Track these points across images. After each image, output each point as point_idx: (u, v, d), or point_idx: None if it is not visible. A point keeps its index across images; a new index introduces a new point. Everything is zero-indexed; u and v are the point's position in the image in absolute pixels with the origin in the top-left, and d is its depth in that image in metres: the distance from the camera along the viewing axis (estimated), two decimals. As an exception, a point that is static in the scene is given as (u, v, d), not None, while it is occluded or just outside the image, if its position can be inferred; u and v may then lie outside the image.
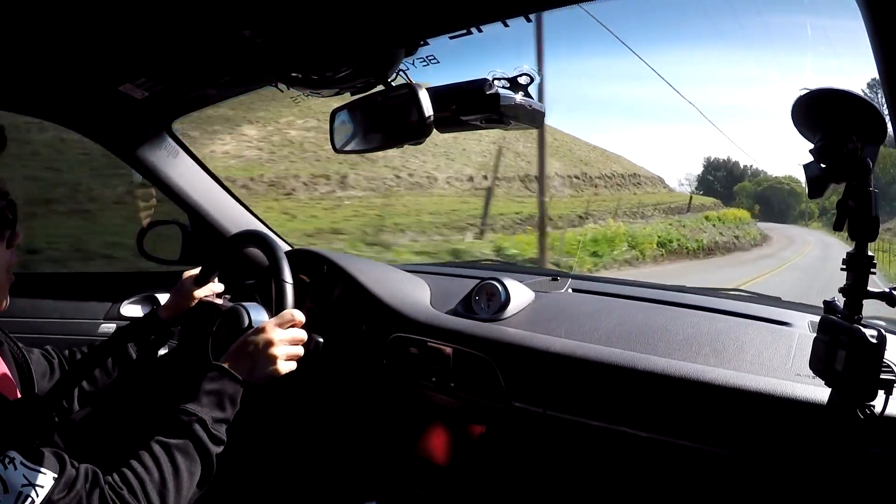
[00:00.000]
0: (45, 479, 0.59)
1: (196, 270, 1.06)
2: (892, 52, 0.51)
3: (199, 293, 1.04)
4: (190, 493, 0.70)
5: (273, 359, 0.82)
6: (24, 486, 0.58)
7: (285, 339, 0.84)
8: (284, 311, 0.88)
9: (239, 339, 0.84)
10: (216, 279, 1.08)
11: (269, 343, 0.82)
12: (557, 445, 0.99)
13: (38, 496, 0.58)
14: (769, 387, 0.78)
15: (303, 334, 0.87)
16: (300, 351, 0.86)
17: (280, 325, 0.85)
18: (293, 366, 0.85)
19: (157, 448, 0.69)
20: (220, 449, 0.74)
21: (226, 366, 0.79)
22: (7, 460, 0.59)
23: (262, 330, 0.83)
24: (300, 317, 0.88)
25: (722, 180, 57.05)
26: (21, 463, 0.59)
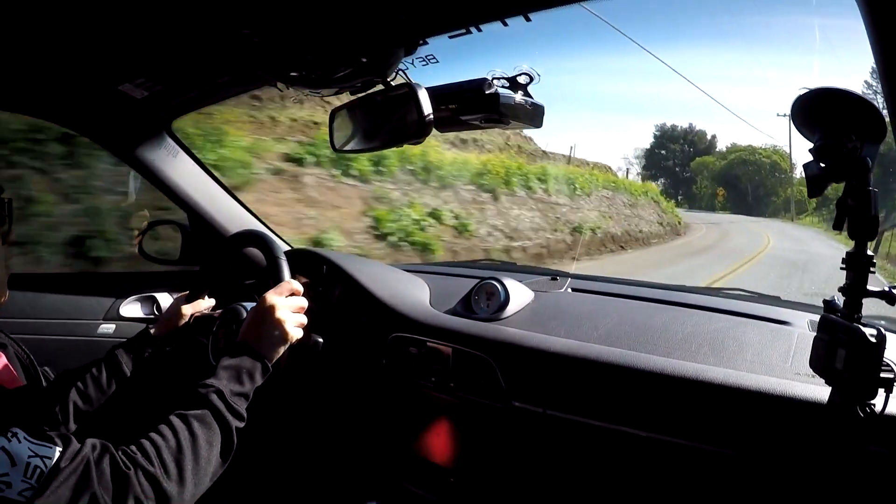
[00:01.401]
0: (52, 452, 0.59)
1: (186, 293, 1.06)
2: (892, 52, 0.51)
3: (189, 310, 1.03)
4: (211, 465, 0.69)
5: (281, 325, 0.83)
6: (30, 457, 0.58)
7: (288, 306, 0.85)
8: (281, 282, 0.89)
9: (246, 319, 0.85)
10: (206, 296, 1.08)
11: (273, 310, 0.83)
12: (557, 445, 0.99)
13: (45, 466, 0.58)
14: (769, 386, 0.78)
15: (304, 302, 0.88)
16: (304, 319, 0.87)
17: (279, 295, 0.86)
18: (300, 333, 0.86)
19: (173, 419, 0.69)
20: (239, 423, 0.74)
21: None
22: (10, 434, 0.59)
23: (263, 301, 0.84)
24: (297, 286, 0.89)
25: (679, 155, 42.57)
26: (25, 438, 0.59)
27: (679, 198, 40.42)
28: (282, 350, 0.84)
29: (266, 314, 0.83)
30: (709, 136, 44.85)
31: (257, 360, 0.79)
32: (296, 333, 0.85)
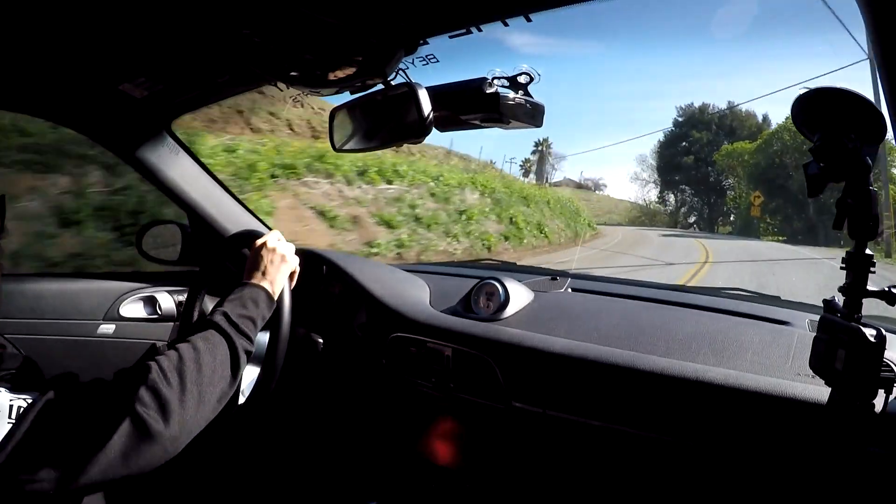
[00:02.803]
0: (34, 395, 0.59)
1: None
2: (892, 52, 0.51)
3: None
4: (216, 381, 0.67)
5: (275, 252, 0.89)
6: (11, 400, 0.57)
7: (283, 245, 0.91)
8: (269, 233, 0.94)
9: (246, 263, 0.89)
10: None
11: (264, 245, 0.89)
12: (557, 445, 0.99)
13: (26, 403, 0.57)
14: (769, 386, 0.78)
15: (292, 246, 0.93)
16: (296, 258, 0.93)
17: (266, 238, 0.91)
18: (296, 262, 0.93)
19: (178, 341, 0.69)
20: (247, 344, 0.74)
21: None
22: None
23: (252, 246, 0.90)
24: (279, 234, 0.95)
25: (707, 148, 26.91)
26: (7, 390, 0.59)
27: (714, 218, 27.95)
28: (283, 275, 0.88)
29: (258, 252, 0.88)
30: (759, 118, 26.92)
31: (259, 288, 0.82)
32: (293, 261, 0.91)
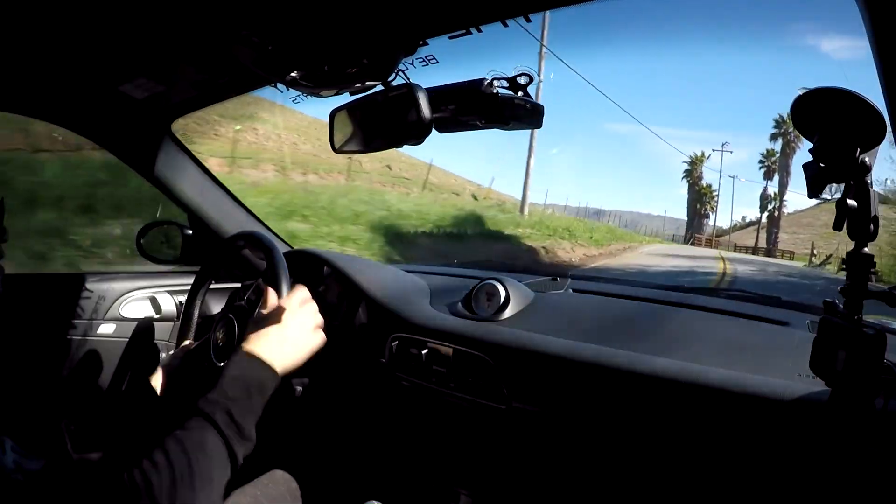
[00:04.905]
0: (36, 464, 0.57)
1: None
2: (892, 52, 0.51)
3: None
4: (211, 495, 0.57)
5: (300, 321, 0.73)
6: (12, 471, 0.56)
7: (308, 311, 0.75)
8: (295, 289, 0.78)
9: (250, 323, 0.74)
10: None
11: (286, 312, 0.73)
12: (558, 446, 0.99)
13: (24, 477, 0.56)
14: (769, 387, 0.78)
15: (315, 306, 0.79)
16: (321, 318, 0.78)
17: (290, 301, 0.76)
18: (321, 336, 0.76)
19: (169, 444, 0.57)
20: (246, 447, 0.61)
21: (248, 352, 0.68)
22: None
23: (275, 306, 0.75)
24: (307, 293, 0.80)
25: None
26: (12, 448, 0.57)
27: None
28: (301, 353, 0.72)
29: (283, 320, 0.72)
30: None
31: (266, 368, 0.67)
32: (319, 338, 0.76)
